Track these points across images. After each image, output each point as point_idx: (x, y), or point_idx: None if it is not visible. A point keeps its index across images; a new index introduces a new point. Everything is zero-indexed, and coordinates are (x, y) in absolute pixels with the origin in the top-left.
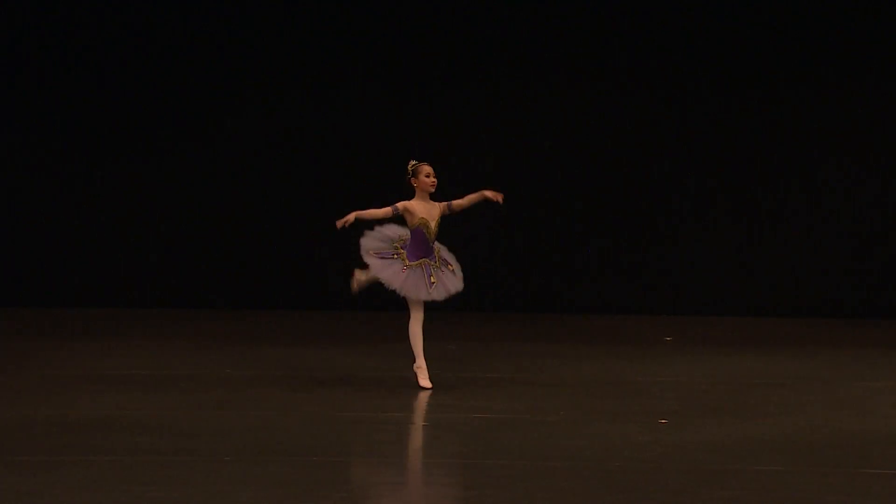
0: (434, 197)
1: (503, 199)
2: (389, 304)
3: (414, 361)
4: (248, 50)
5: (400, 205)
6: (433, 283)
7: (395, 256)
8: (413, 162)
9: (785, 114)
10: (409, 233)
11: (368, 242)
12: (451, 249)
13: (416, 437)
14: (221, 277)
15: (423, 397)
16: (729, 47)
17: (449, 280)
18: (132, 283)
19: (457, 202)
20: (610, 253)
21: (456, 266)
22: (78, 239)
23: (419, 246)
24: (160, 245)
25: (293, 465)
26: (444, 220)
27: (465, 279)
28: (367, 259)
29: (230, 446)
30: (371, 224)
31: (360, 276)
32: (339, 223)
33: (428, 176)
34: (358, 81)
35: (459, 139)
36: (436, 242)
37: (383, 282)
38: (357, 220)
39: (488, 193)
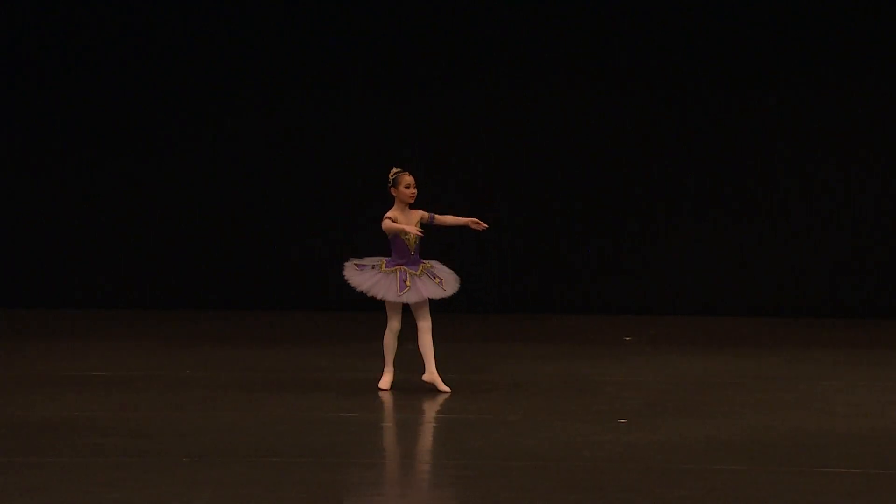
0: (413, 206)
1: (485, 227)
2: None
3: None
4: (248, 50)
5: (390, 214)
6: (406, 286)
7: (373, 266)
8: (395, 170)
9: (784, 113)
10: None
11: (350, 270)
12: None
13: (378, 438)
14: (216, 278)
15: (386, 398)
16: (728, 47)
17: (426, 286)
18: (125, 284)
19: (441, 217)
20: (600, 253)
21: (448, 280)
22: (69, 240)
23: (400, 255)
24: (150, 246)
25: (253, 466)
26: (425, 227)
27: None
28: (346, 272)
29: (189, 447)
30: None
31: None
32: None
33: (408, 187)
34: (357, 82)
35: (459, 139)
36: (431, 262)
37: (353, 286)
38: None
39: (472, 222)
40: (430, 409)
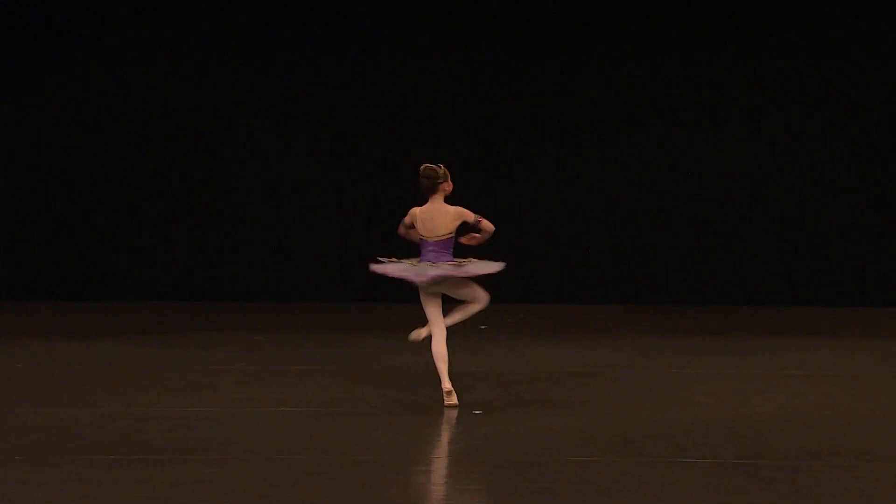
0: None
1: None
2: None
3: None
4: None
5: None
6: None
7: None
8: (441, 165)
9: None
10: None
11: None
12: None
13: (222, 433)
14: (48, 267)
15: (228, 391)
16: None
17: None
18: None
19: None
20: None
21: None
22: None
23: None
24: None
25: (89, 464)
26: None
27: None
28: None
29: (20, 445)
30: None
31: (419, 334)
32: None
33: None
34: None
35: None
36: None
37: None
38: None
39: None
40: (274, 401)
